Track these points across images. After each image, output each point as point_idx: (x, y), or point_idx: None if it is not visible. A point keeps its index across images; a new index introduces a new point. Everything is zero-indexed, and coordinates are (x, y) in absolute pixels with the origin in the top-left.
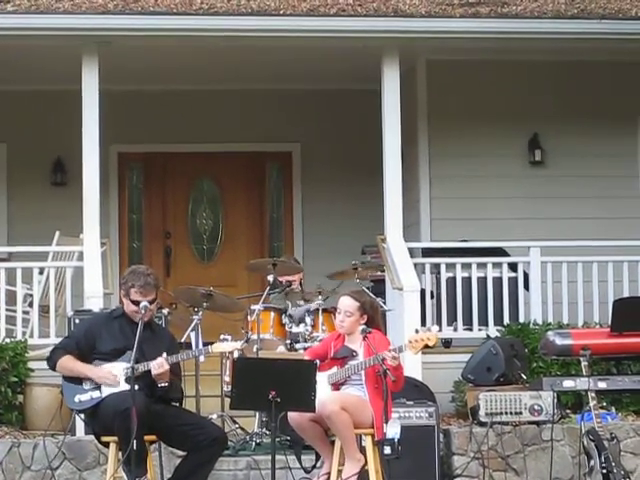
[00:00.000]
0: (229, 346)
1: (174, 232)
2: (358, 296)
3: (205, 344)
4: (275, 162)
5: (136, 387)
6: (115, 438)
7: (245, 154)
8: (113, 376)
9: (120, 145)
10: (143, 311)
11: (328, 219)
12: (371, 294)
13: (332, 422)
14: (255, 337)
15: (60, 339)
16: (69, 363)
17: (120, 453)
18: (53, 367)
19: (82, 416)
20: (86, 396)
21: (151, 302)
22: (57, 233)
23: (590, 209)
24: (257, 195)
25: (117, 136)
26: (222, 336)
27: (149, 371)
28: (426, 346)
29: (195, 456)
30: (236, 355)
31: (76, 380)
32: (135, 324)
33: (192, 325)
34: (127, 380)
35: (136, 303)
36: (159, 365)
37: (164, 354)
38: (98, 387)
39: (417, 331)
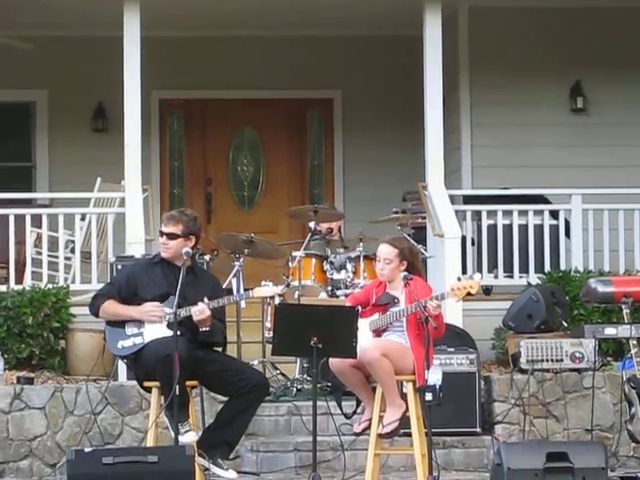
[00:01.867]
0: (270, 291)
1: (215, 179)
2: (397, 243)
3: (246, 290)
4: (316, 109)
5: (178, 333)
6: (157, 384)
7: (286, 101)
8: (158, 308)
9: (161, 91)
10: (185, 257)
11: (369, 166)
12: (411, 240)
13: (373, 368)
14: (296, 283)
15: (102, 285)
16: (111, 307)
17: (162, 398)
18: (96, 313)
19: (125, 361)
20: (129, 342)
21: (170, 237)
22: (98, 179)
23: (632, 157)
24: (298, 142)
25: (158, 82)
26: (263, 282)
27: (191, 316)
28: (468, 294)
29: (237, 402)
30: (277, 301)
31: (119, 325)
32: (176, 269)
33: (234, 271)
34: (169, 326)
35: (160, 234)
36: (200, 311)
37: (205, 299)
38: (141, 333)
39: (459, 279)
